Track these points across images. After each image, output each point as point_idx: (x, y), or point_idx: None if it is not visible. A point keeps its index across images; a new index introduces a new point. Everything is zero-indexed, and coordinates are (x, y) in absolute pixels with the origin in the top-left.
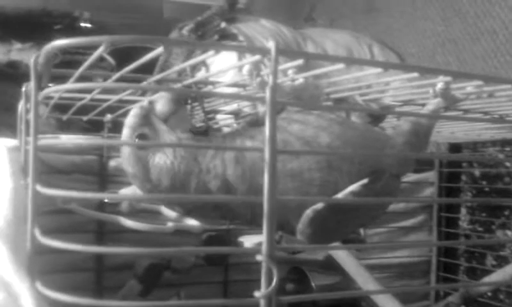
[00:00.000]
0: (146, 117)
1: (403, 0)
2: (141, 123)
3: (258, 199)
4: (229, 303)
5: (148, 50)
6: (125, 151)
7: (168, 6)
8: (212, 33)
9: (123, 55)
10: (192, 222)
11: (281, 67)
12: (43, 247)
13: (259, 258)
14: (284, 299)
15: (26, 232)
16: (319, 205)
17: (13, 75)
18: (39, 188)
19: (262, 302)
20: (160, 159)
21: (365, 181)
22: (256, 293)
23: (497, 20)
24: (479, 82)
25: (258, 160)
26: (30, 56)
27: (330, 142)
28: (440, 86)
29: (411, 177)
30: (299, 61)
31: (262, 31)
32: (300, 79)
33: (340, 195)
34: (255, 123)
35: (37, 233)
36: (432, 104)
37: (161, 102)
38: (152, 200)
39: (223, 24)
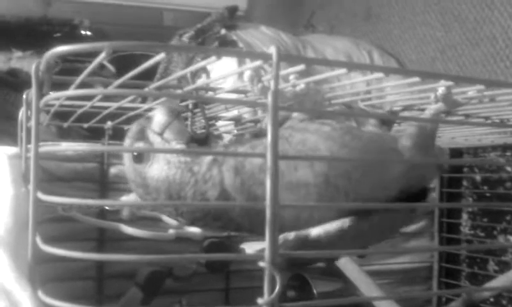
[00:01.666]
0: (142, 131)
1: (403, 7)
2: (137, 137)
3: (258, 204)
4: None
5: (148, 58)
6: (125, 164)
7: (168, 14)
8: (212, 40)
9: (123, 64)
10: (193, 230)
11: (282, 72)
12: (44, 255)
13: (262, 264)
14: (286, 306)
15: (27, 240)
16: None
17: (14, 83)
18: (40, 195)
19: None
20: (156, 171)
21: (352, 219)
22: (259, 300)
23: (497, 25)
24: (481, 87)
25: (258, 170)
26: (30, 64)
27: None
28: (441, 90)
29: None
30: (301, 67)
31: (262, 37)
32: (301, 85)
33: (324, 227)
34: (258, 134)
35: (38, 240)
36: (433, 109)
37: (157, 115)
38: (152, 207)
39: (223, 31)
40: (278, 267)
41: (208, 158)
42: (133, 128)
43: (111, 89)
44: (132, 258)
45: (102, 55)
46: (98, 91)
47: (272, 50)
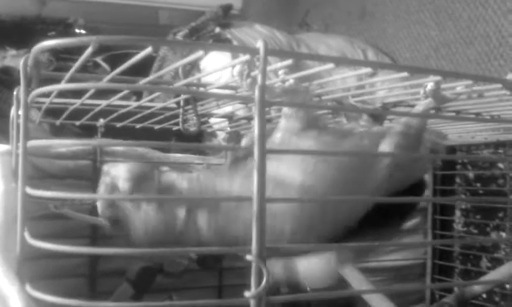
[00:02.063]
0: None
1: (397, 5)
2: (108, 204)
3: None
4: (219, 304)
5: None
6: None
7: (163, 13)
8: (206, 38)
9: (117, 63)
10: None
11: (271, 67)
12: (37, 252)
13: (249, 258)
14: (274, 299)
15: (16, 235)
16: None
17: (7, 81)
18: (28, 189)
19: (252, 302)
20: (135, 227)
21: None
22: (246, 293)
23: (490, 24)
24: (469, 82)
25: (233, 208)
26: None
27: (302, 181)
28: (430, 86)
29: None
30: (289, 61)
31: (256, 36)
32: (290, 80)
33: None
34: (235, 161)
35: (27, 235)
36: (423, 104)
37: (121, 181)
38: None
39: (217, 29)
40: (265, 260)
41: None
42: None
43: (102, 83)
44: (123, 251)
45: (90, 48)
46: (90, 84)
47: (259, 44)
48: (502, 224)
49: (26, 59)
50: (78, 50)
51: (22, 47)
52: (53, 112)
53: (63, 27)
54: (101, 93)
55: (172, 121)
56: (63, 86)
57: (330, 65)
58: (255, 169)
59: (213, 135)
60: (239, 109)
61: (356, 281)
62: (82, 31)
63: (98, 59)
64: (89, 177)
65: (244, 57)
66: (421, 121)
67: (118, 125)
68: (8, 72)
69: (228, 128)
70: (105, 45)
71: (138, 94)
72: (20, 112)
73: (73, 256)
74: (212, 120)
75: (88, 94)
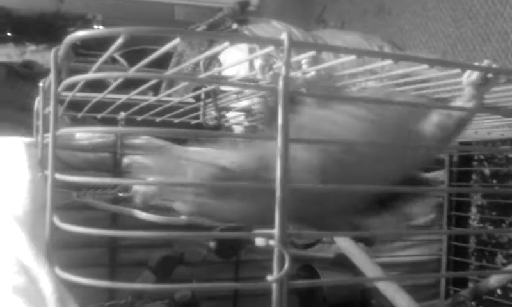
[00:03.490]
0: None
1: (414, 2)
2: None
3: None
4: (241, 286)
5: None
6: None
7: (180, 9)
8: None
9: (135, 59)
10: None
11: (292, 59)
12: (60, 242)
13: (271, 243)
14: (295, 283)
15: (44, 222)
16: None
17: (28, 74)
18: (57, 175)
19: (274, 286)
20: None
21: None
22: (269, 277)
23: (508, 20)
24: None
25: None
26: (44, 57)
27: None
28: (473, 77)
29: None
30: (312, 53)
31: (273, 32)
32: (312, 72)
33: None
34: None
35: (55, 218)
36: (466, 97)
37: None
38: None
39: (235, 25)
40: (287, 245)
41: None
42: None
43: (130, 73)
44: (144, 234)
45: (120, 39)
46: (119, 74)
47: (283, 36)
48: None
49: (57, 50)
50: (97, 45)
51: (41, 42)
52: (74, 107)
53: (82, 23)
54: (121, 88)
55: (191, 115)
56: (92, 75)
57: (352, 57)
58: (278, 157)
59: (230, 129)
60: (256, 104)
61: (373, 274)
62: (101, 27)
63: (116, 55)
64: (110, 169)
65: (268, 49)
66: (462, 115)
67: (139, 118)
68: (28, 66)
69: (246, 123)
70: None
71: (156, 90)
72: (47, 102)
73: (94, 245)
74: (230, 114)
75: (112, 87)
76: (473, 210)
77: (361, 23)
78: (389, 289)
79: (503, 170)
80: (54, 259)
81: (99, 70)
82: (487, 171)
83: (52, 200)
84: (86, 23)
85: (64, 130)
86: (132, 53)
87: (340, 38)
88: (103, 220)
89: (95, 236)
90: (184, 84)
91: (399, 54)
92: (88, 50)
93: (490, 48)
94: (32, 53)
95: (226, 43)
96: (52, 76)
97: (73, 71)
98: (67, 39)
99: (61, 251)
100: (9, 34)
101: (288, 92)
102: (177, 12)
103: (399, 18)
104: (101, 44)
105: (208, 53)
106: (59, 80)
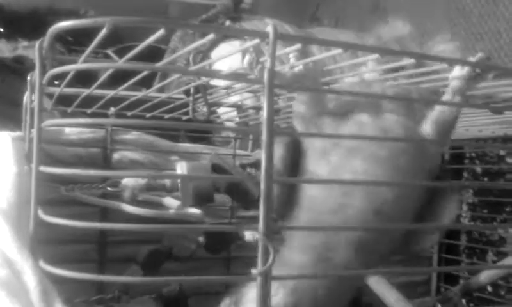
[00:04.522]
0: None
1: (409, 0)
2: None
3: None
4: (227, 279)
5: (152, 47)
6: None
7: (173, 5)
8: None
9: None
10: (193, 211)
11: (279, 52)
12: (47, 237)
13: (256, 236)
14: (280, 276)
15: (29, 215)
16: None
17: (20, 69)
18: (42, 168)
19: (259, 279)
20: None
21: None
22: (253, 270)
23: (501, 20)
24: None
25: None
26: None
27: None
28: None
29: None
30: (297, 46)
31: None
32: (300, 66)
33: None
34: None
35: (40, 212)
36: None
37: None
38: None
39: (228, 23)
40: (272, 238)
41: None
42: None
43: (119, 64)
44: (132, 227)
45: (104, 30)
46: (108, 64)
47: (269, 28)
48: (509, 218)
49: (42, 41)
50: (89, 41)
51: (33, 38)
52: (64, 102)
53: (75, 19)
54: (112, 84)
55: (181, 111)
56: (79, 65)
57: (338, 50)
58: (263, 150)
59: (221, 124)
60: (247, 99)
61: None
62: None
63: (109, 51)
64: (100, 164)
65: (254, 42)
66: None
67: (129, 113)
68: (20, 61)
69: (237, 119)
70: (115, 37)
71: (147, 86)
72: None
73: (84, 241)
74: (221, 110)
75: (101, 79)
76: (465, 207)
77: (355, 21)
78: (379, 286)
79: (494, 168)
80: (38, 252)
81: (87, 61)
82: (478, 169)
83: (36, 193)
84: (79, 18)
85: (49, 122)
86: (126, 49)
87: (334, 37)
88: (93, 216)
89: (84, 232)
90: (175, 76)
91: (385, 48)
92: (80, 46)
93: (483, 47)
94: (24, 48)
95: (211, 35)
96: (37, 68)
97: (62, 64)
98: (51, 30)
99: (50, 246)
100: (1, 29)
101: (273, 84)
102: (171, 9)
103: (394, 16)
104: (92, 40)
105: (198, 43)
106: (43, 72)
